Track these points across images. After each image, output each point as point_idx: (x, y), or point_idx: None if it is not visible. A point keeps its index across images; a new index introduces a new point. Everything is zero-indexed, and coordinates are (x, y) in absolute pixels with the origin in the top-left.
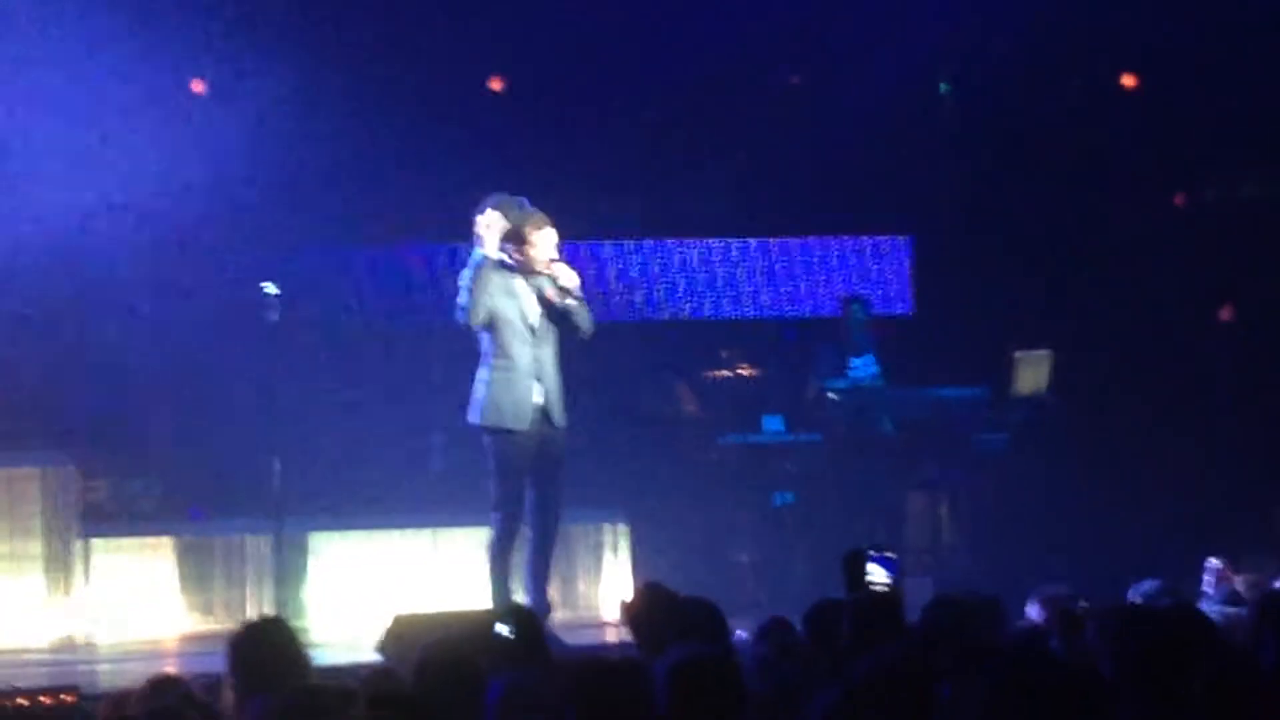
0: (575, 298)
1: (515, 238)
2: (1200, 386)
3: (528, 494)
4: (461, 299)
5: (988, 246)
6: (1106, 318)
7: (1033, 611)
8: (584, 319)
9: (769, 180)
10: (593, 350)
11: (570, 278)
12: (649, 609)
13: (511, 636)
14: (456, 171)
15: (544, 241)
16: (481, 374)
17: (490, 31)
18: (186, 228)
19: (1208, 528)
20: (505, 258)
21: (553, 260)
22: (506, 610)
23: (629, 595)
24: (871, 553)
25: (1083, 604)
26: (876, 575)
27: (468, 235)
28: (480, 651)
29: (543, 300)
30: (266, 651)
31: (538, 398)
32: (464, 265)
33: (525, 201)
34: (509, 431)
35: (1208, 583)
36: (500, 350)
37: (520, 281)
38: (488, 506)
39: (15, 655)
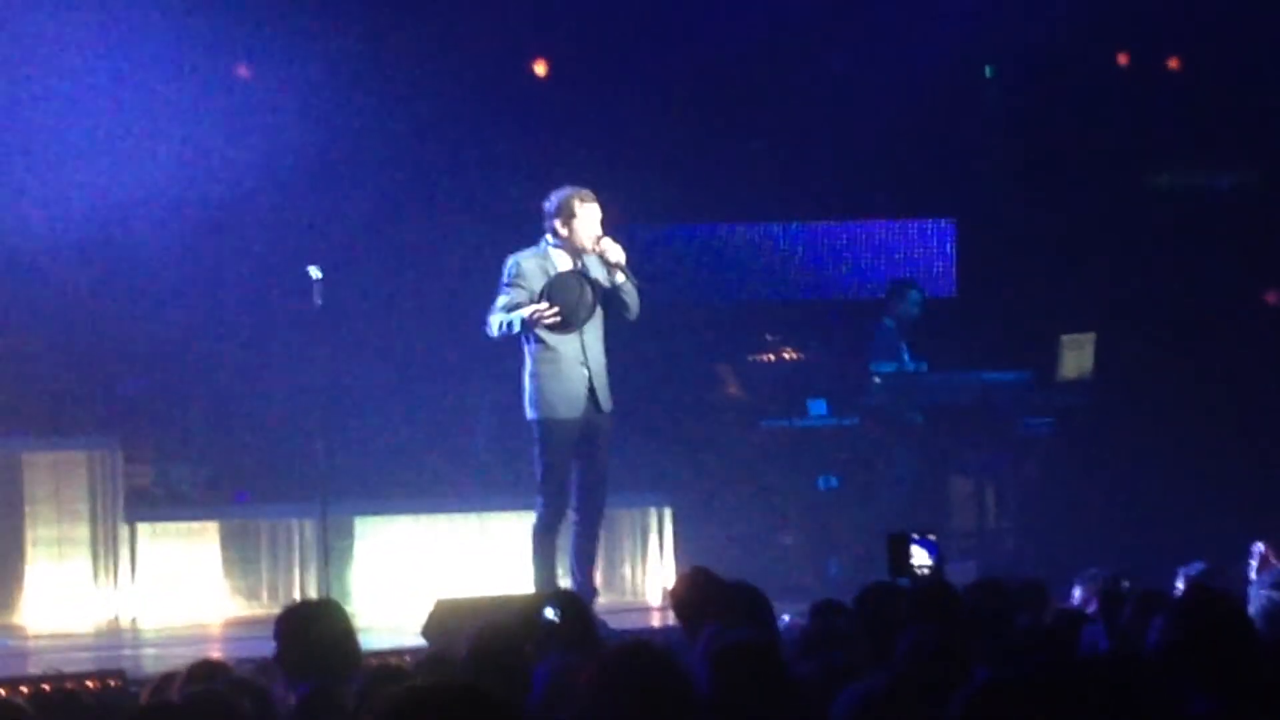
0: (623, 273)
1: (562, 213)
2: (1246, 369)
3: (574, 478)
4: (490, 327)
5: (1032, 229)
6: (1152, 301)
7: (1077, 594)
8: (631, 297)
9: (813, 163)
10: (637, 334)
11: (617, 253)
12: (694, 593)
13: (557, 621)
14: (500, 155)
15: (589, 215)
16: (528, 366)
17: (534, 14)
18: (232, 211)
19: (1255, 511)
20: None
21: (599, 236)
22: (553, 595)
23: (673, 580)
24: (914, 535)
25: (1125, 584)
26: (919, 558)
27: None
28: (527, 636)
29: (590, 283)
30: (316, 633)
31: (585, 383)
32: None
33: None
34: (558, 419)
35: (1252, 566)
36: (544, 340)
37: (564, 268)
38: (534, 491)
39: (61, 640)
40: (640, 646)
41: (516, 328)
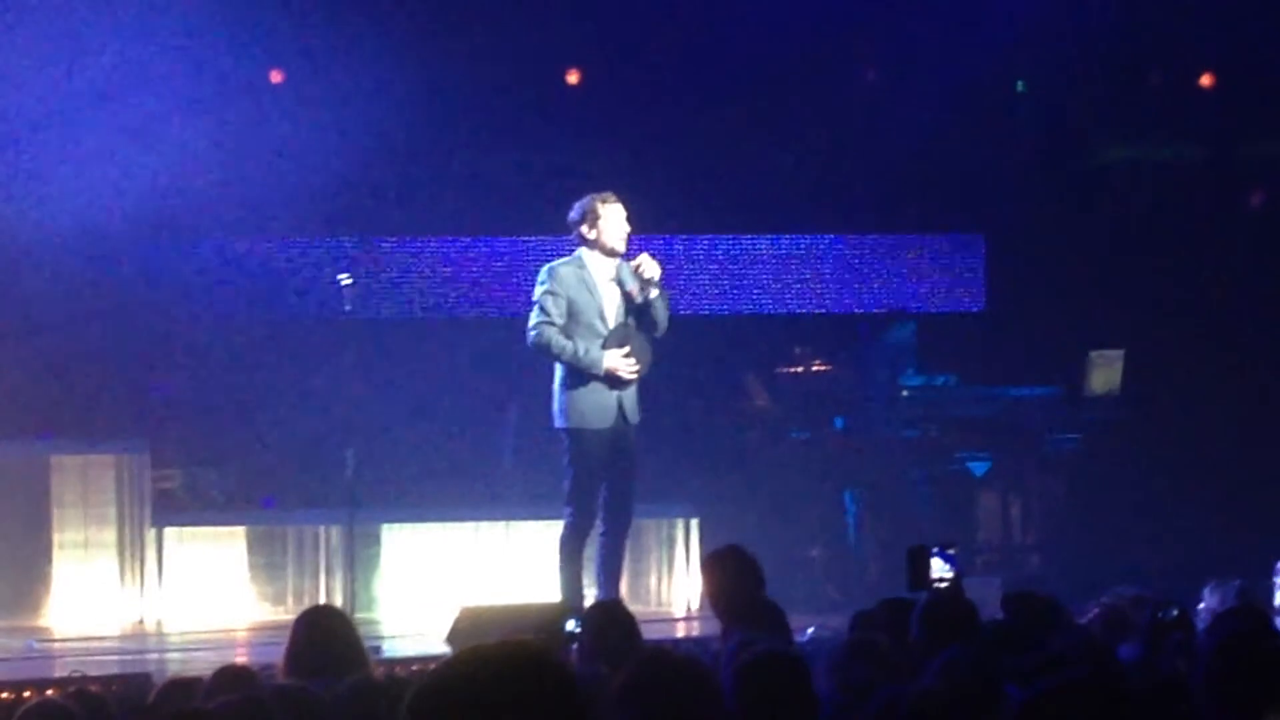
0: (658, 288)
1: (587, 218)
2: (1275, 387)
3: (601, 489)
4: (547, 344)
5: (1061, 244)
6: (1181, 317)
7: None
8: (661, 315)
9: (844, 175)
10: (665, 345)
11: (653, 268)
12: (734, 575)
13: (579, 631)
14: (532, 164)
15: (614, 215)
16: (559, 375)
17: (567, 23)
18: (262, 216)
19: None
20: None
21: (628, 233)
22: (593, 607)
23: (711, 558)
24: (934, 548)
25: (1174, 612)
26: (939, 570)
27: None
28: (552, 646)
29: (624, 295)
30: (322, 639)
31: (615, 395)
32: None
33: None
34: (588, 430)
35: (1276, 585)
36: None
37: (600, 276)
38: (560, 499)
39: (87, 642)
40: (669, 656)
41: (586, 367)
